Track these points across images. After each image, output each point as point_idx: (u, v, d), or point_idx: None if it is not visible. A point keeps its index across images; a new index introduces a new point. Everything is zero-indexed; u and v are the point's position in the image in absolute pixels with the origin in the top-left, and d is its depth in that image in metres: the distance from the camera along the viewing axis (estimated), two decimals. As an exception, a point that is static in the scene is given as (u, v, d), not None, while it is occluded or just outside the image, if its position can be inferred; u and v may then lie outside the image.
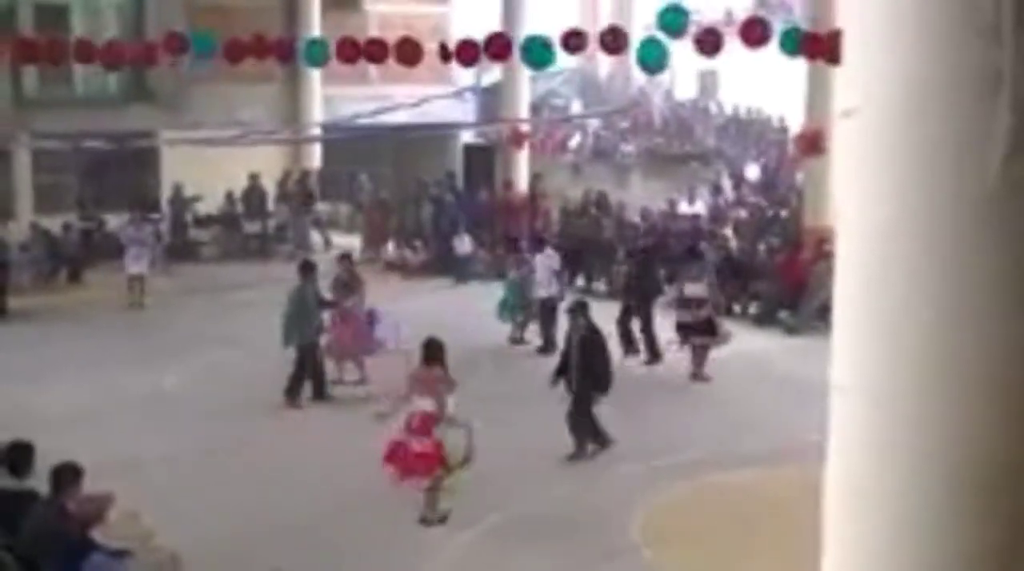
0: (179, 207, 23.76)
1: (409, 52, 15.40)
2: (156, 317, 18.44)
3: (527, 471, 11.28)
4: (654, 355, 15.42)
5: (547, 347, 15.42)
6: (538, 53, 14.67)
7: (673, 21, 14.54)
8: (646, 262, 16.34)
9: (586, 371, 11.64)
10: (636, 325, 15.58)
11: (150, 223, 20.84)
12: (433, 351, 10.30)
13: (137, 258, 19.23)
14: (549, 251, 16.44)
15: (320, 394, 13.68)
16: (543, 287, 16.02)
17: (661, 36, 14.74)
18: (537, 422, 12.16)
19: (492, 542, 9.94)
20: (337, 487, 10.99)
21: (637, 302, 15.61)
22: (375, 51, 15.80)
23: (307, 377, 13.59)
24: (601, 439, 11.81)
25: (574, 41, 15.16)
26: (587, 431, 11.77)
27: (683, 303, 14.96)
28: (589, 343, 11.73)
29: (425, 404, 10.09)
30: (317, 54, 17.14)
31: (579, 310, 12.13)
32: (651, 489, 10.88)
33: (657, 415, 13.29)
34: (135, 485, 10.33)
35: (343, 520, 10.27)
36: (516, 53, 15.19)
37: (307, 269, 13.94)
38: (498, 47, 15.21)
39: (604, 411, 11.89)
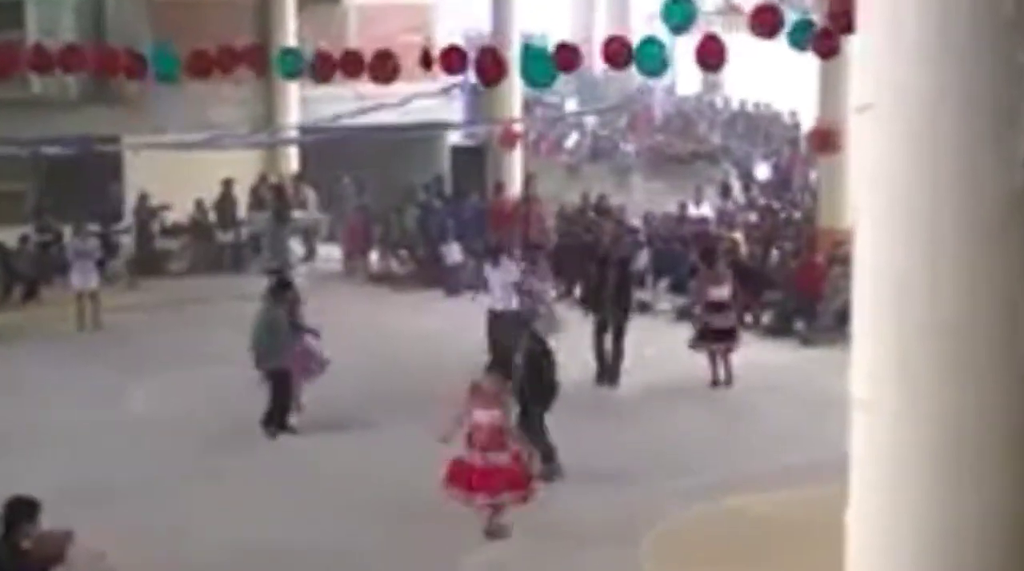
0: (145, 216, 23.65)
1: (386, 68, 15.30)
2: (121, 335, 18.36)
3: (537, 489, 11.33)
4: (614, 374, 15.19)
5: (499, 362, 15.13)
6: (537, 69, 14.58)
7: (679, 13, 14.21)
8: (623, 272, 16.10)
9: (531, 386, 11.63)
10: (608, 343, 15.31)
11: (96, 236, 20.63)
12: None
13: (84, 273, 18.95)
14: (507, 264, 16.36)
15: (282, 424, 13.55)
16: (497, 301, 15.89)
17: (661, 32, 14.53)
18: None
19: (500, 562, 10.06)
20: (321, 513, 11.01)
21: (614, 315, 15.47)
22: (351, 67, 15.81)
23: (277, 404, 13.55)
24: (551, 465, 11.74)
25: (567, 56, 14.97)
26: (541, 448, 11.72)
27: (709, 308, 15.04)
28: (535, 357, 11.76)
29: (488, 417, 10.26)
30: (290, 65, 16.92)
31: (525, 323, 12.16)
32: (661, 510, 10.94)
33: (667, 431, 13.34)
34: (101, 516, 10.32)
35: (330, 549, 10.29)
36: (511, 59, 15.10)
37: (279, 288, 13.91)
38: (489, 65, 15.03)
39: (612, 424, 11.87)
